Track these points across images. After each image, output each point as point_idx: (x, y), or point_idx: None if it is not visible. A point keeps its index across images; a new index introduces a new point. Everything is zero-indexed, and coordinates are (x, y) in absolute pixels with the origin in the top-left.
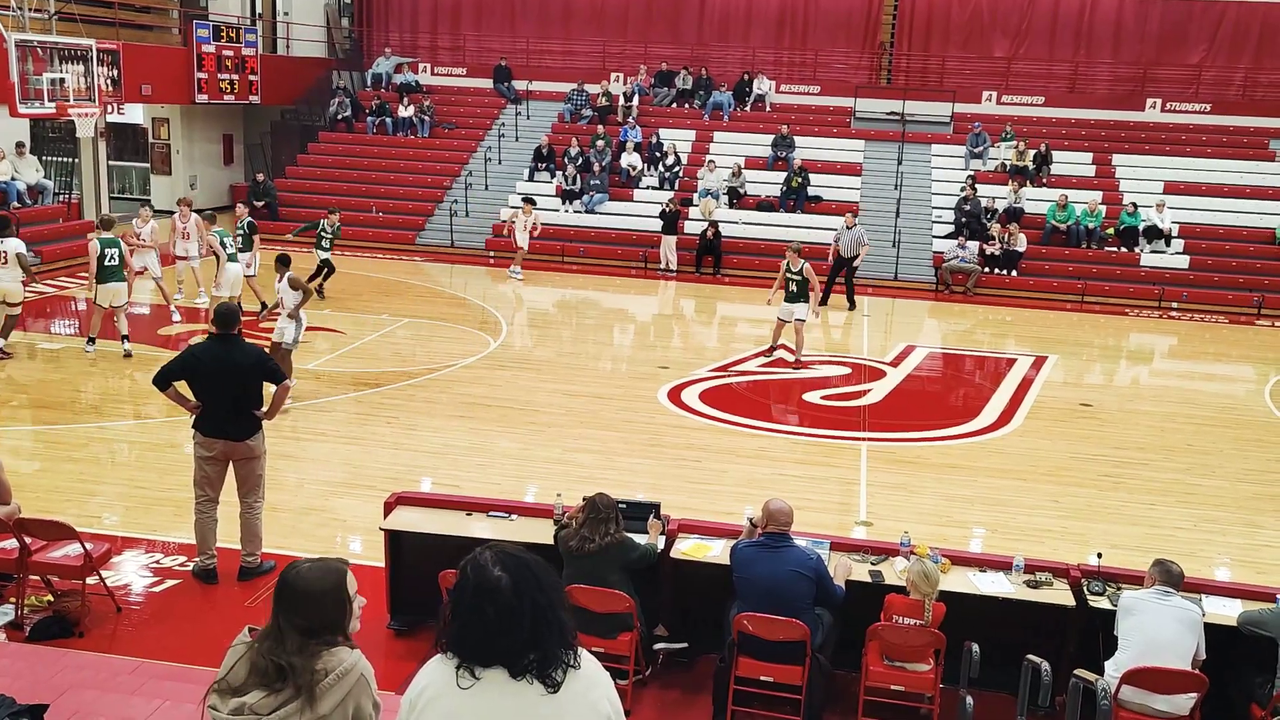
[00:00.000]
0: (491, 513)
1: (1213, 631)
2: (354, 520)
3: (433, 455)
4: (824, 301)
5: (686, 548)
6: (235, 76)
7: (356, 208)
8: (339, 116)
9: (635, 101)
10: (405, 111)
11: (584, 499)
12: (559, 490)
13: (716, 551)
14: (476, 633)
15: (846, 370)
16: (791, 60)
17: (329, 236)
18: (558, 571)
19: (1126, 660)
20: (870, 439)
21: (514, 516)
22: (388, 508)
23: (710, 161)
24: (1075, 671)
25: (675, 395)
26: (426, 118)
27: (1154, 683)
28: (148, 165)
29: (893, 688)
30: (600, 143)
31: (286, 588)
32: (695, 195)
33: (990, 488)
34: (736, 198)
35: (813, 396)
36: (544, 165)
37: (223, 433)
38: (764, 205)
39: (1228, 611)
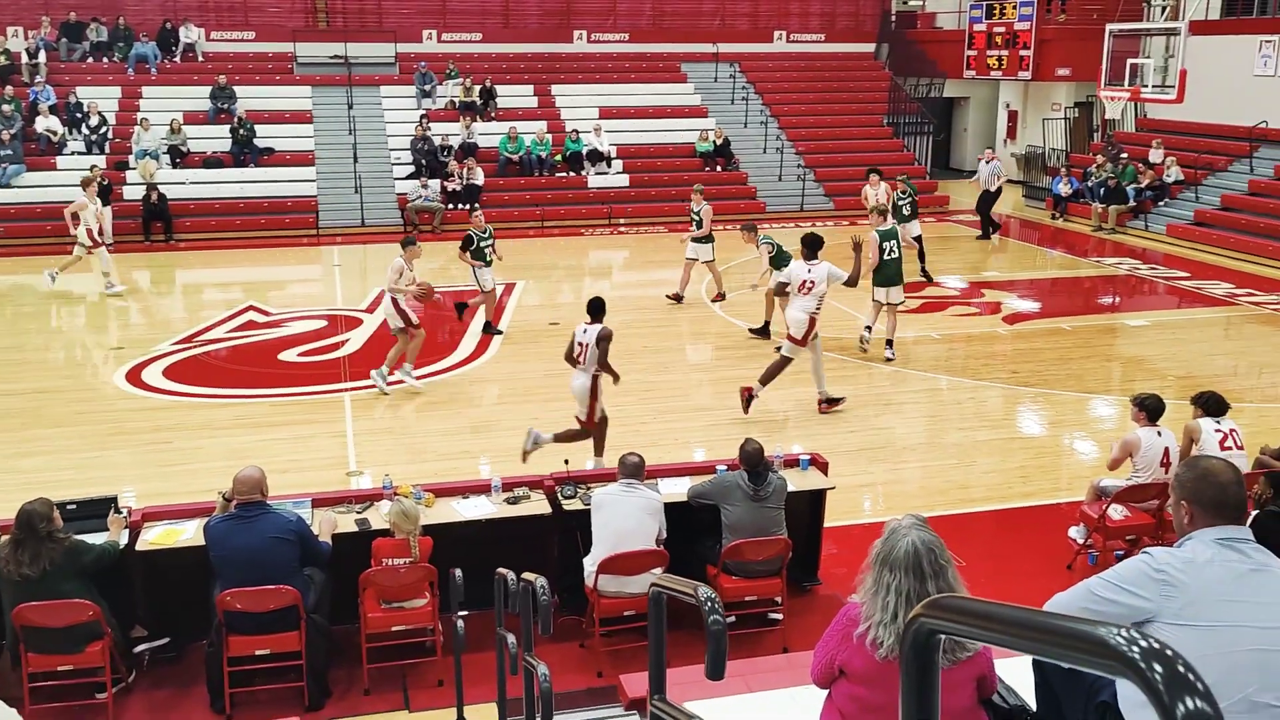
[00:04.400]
0: None
1: (673, 510)
2: None
3: None
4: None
5: (154, 536)
6: None
7: None
8: None
9: (42, 58)
10: None
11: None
12: None
13: (190, 534)
14: None
15: (322, 323)
16: (219, 5)
17: None
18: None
19: (600, 553)
20: (353, 388)
21: None
22: None
23: (143, 120)
24: (518, 574)
25: (135, 376)
26: None
27: (624, 567)
28: None
29: (394, 629)
30: (7, 107)
31: None
32: (131, 157)
33: (476, 416)
34: (179, 156)
35: (289, 355)
36: None
37: None
38: (211, 162)
39: (681, 490)
